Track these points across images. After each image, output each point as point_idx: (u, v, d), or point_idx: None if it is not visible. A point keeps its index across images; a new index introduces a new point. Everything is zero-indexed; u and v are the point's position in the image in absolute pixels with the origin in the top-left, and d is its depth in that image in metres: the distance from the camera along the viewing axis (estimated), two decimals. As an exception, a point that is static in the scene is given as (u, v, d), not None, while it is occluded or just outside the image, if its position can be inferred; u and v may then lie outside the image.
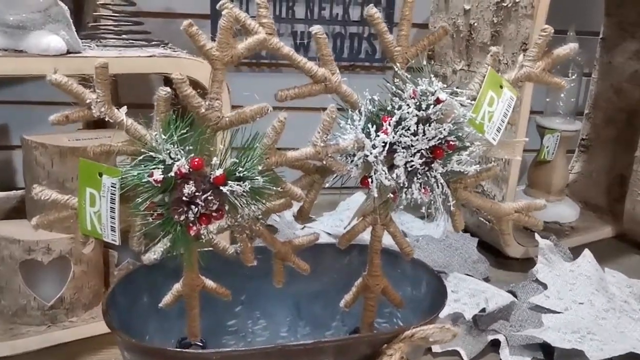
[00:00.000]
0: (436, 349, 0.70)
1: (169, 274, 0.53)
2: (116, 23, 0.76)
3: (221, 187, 0.43)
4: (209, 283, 0.50)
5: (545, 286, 0.78)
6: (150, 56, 0.65)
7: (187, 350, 0.48)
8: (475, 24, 0.93)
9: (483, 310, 0.71)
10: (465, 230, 0.99)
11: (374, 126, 0.47)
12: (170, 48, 0.74)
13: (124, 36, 0.75)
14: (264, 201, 0.45)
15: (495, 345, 0.71)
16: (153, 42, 0.75)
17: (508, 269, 0.93)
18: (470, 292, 0.74)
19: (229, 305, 0.61)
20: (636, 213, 1.02)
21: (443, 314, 0.71)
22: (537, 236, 0.85)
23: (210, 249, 0.57)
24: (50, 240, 0.66)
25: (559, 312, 0.73)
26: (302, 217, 0.52)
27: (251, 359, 0.44)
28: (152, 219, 0.43)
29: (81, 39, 0.64)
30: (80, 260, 0.69)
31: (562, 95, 1.07)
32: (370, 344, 0.47)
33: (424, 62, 1.15)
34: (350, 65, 1.20)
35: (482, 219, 0.95)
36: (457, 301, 0.73)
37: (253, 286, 0.62)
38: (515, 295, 0.78)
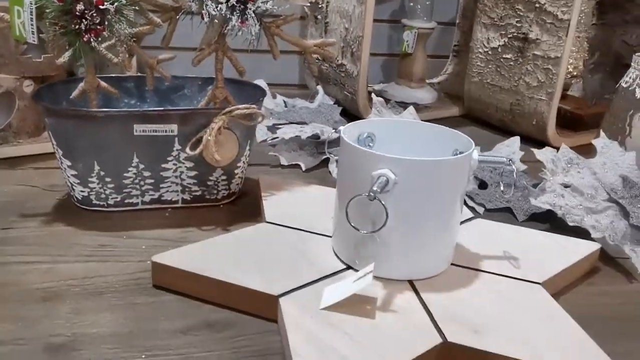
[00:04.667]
0: (284, 162, 0.98)
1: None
2: None
3: (100, 7, 0.69)
4: (103, 84, 0.76)
5: (374, 129, 1.06)
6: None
7: (80, 109, 0.74)
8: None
9: (318, 137, 0.99)
10: (335, 103, 1.27)
11: (204, -26, 0.73)
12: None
13: None
14: (131, 18, 0.71)
15: (327, 162, 1.00)
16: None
17: (364, 130, 1.21)
18: (313, 127, 1.02)
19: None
20: (471, 92, 1.31)
21: (287, 136, 0.99)
22: (373, 95, 1.13)
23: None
24: (-1, 78, 0.91)
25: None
26: (165, 43, 0.78)
27: (125, 119, 0.71)
28: (58, 28, 0.69)
29: None
30: (23, 97, 0.94)
31: (419, -1, 1.34)
32: (205, 116, 0.74)
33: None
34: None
35: (347, 93, 1.23)
36: (302, 131, 1.01)
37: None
38: (353, 136, 1.06)
